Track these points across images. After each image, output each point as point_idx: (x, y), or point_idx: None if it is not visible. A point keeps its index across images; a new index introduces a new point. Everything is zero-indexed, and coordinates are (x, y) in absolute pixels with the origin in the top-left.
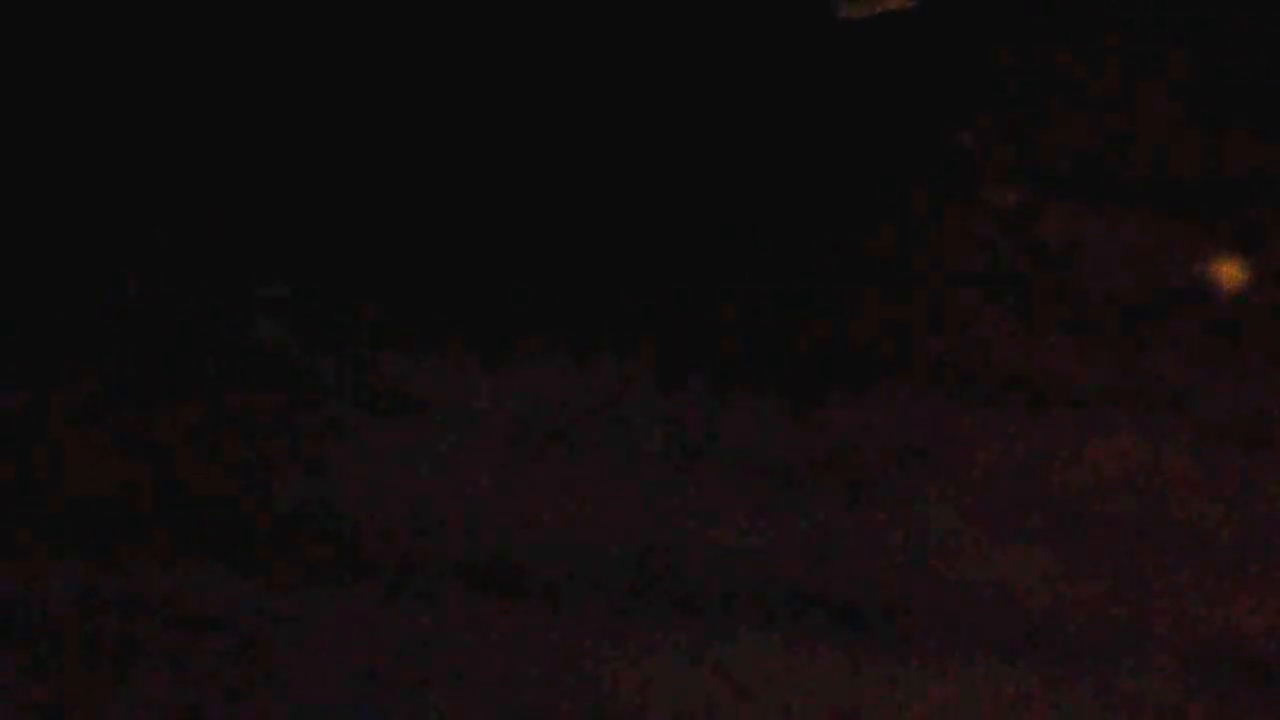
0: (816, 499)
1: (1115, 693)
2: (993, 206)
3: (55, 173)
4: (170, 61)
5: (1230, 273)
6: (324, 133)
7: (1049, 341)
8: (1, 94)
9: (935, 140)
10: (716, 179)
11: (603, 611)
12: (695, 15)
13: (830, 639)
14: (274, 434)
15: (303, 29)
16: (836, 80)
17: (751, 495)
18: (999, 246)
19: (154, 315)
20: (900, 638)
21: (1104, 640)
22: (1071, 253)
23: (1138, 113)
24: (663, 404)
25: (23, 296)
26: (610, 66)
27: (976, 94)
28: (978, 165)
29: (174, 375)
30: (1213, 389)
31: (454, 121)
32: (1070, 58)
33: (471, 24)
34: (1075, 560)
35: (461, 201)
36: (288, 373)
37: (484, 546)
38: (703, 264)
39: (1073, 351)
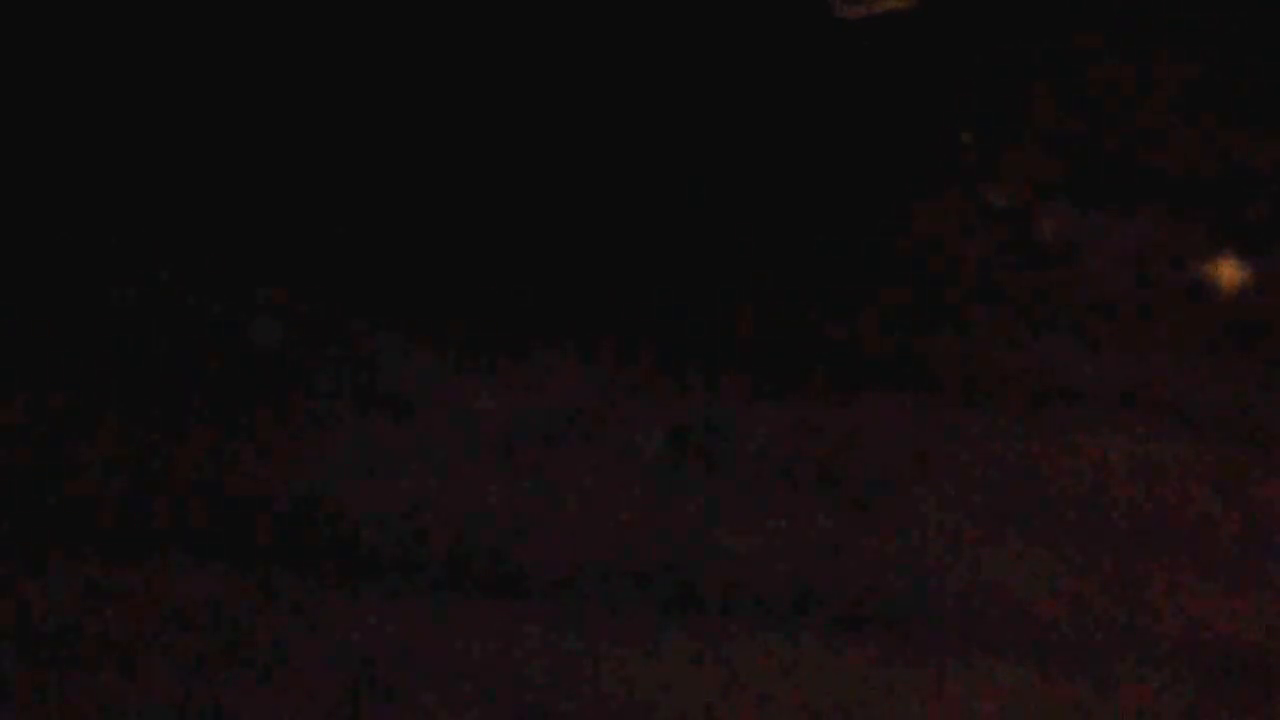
0: (816, 499)
1: (1115, 693)
2: (993, 206)
3: (54, 175)
4: (170, 63)
5: (1230, 273)
6: (323, 134)
7: (1049, 341)
8: (2, 95)
9: (935, 140)
10: (716, 179)
11: (603, 611)
12: (696, 15)
13: (830, 639)
14: (273, 433)
15: (301, 29)
16: (836, 80)
17: (751, 495)
18: (999, 246)
19: (153, 316)
20: (900, 638)
21: (1104, 640)
22: (1071, 253)
23: (1137, 113)
24: (663, 404)
25: (22, 298)
26: (610, 66)
27: (976, 94)
28: (977, 165)
29: (173, 375)
30: (1213, 389)
31: (453, 122)
32: (1069, 58)
33: (471, 24)
34: (1075, 560)
35: (461, 202)
36: (286, 372)
37: (484, 546)
38: (702, 264)
39: (1073, 351)
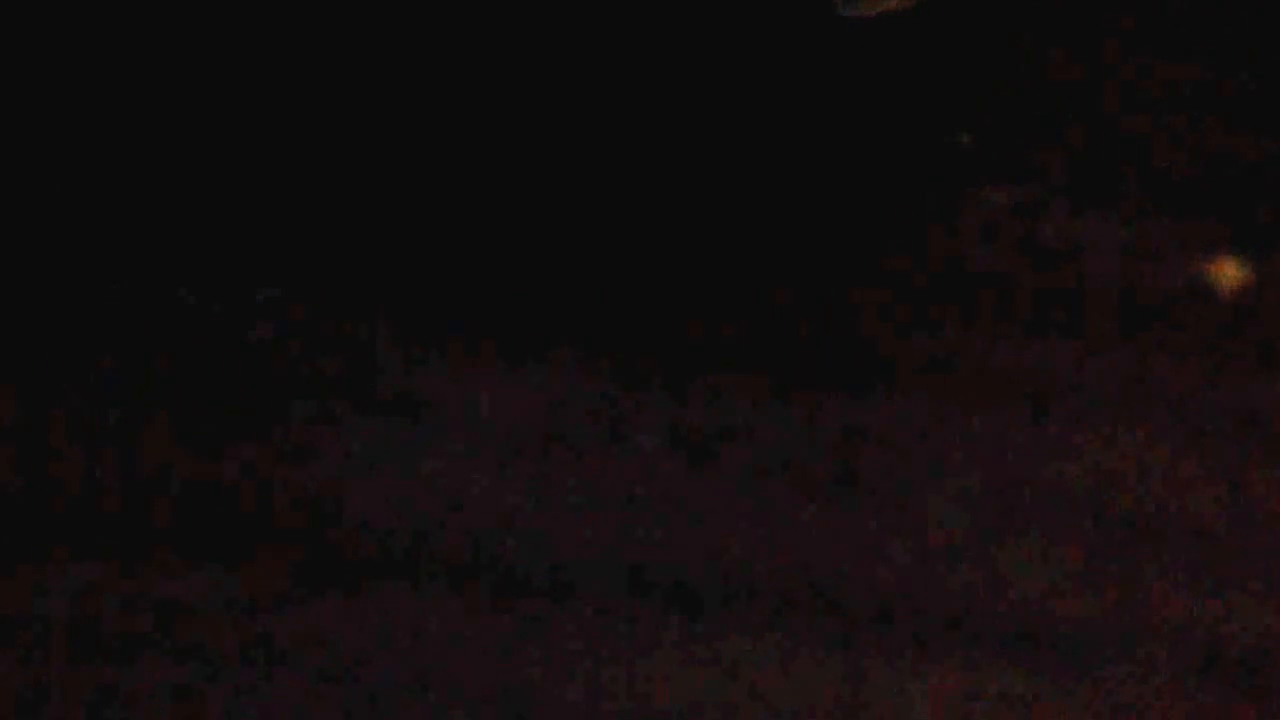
0: (816, 499)
1: (1114, 693)
2: (993, 206)
3: (54, 175)
4: (169, 62)
5: (1230, 273)
6: (323, 133)
7: (1049, 341)
8: (2, 95)
9: (935, 140)
10: (716, 179)
11: (603, 611)
12: (695, 15)
13: (830, 639)
14: (273, 434)
15: (301, 29)
16: (836, 80)
17: (751, 495)
18: (999, 246)
19: (152, 315)
20: (899, 638)
21: (1103, 640)
22: (1071, 253)
23: (1138, 113)
24: (664, 404)
25: (21, 297)
26: (610, 67)
27: (976, 94)
28: (978, 165)
29: (173, 375)
30: (1213, 389)
31: (454, 121)
32: (1070, 58)
33: (471, 24)
34: (1075, 560)
35: (461, 201)
36: (287, 373)
37: (484, 546)
38: (702, 264)
39: (1073, 351)
